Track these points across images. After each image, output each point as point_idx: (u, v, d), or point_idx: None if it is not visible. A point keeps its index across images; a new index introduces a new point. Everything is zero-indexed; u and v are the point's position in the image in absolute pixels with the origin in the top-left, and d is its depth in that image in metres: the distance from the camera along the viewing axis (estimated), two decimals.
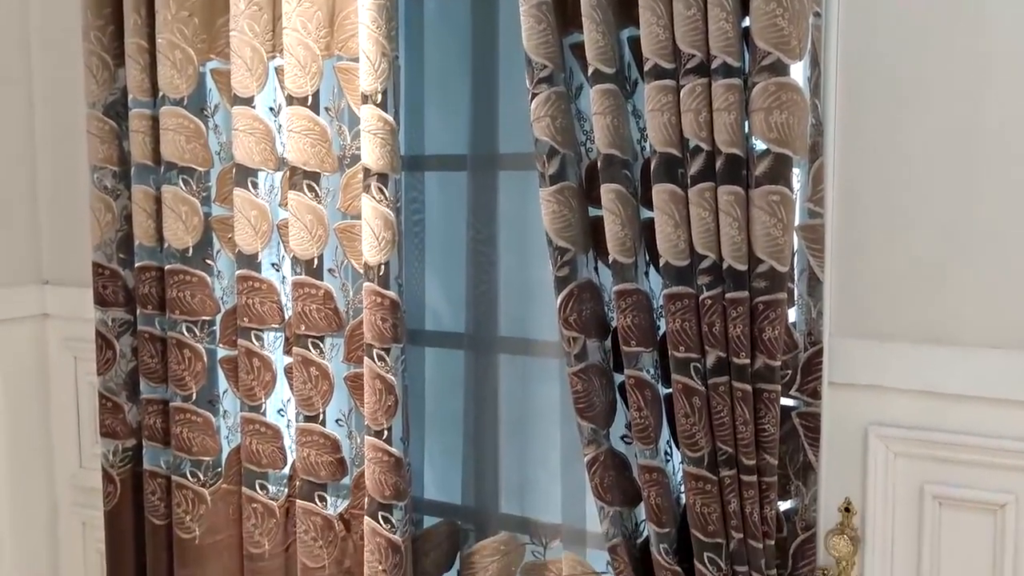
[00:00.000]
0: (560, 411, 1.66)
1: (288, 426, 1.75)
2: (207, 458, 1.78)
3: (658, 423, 1.38)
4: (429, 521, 1.80)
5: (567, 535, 1.68)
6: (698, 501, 1.33)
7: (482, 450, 1.76)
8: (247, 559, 1.74)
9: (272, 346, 1.72)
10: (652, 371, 1.38)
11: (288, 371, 1.73)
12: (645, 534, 1.49)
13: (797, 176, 1.32)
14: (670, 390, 1.38)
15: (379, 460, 1.57)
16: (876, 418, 1.35)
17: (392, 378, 1.55)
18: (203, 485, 1.77)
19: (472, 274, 1.71)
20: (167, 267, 1.75)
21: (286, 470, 1.76)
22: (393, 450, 1.57)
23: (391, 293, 1.55)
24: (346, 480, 1.70)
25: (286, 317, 1.72)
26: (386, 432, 1.56)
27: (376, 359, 1.55)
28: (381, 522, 1.58)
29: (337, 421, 1.69)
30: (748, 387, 1.30)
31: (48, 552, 2.21)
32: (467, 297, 1.74)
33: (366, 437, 1.58)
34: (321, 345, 1.65)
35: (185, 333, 1.75)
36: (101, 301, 1.85)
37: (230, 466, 1.80)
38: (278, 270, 1.72)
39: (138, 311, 1.81)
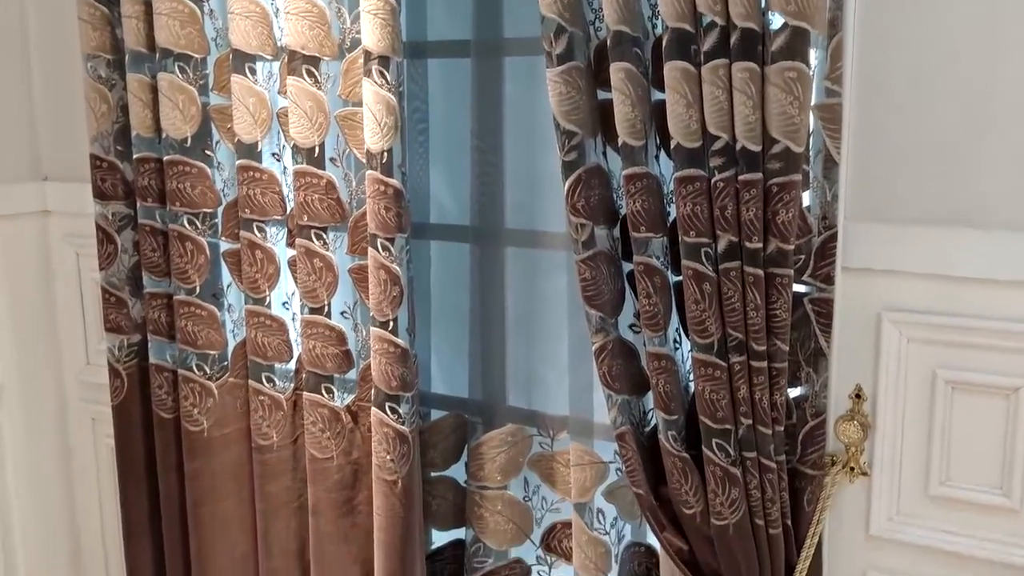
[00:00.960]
0: (567, 304, 1.65)
1: (293, 319, 1.74)
2: (213, 352, 1.77)
3: (667, 310, 1.36)
4: (436, 415, 1.80)
5: (574, 427, 1.67)
6: (707, 388, 1.32)
7: (489, 344, 1.75)
8: (255, 451, 1.75)
9: (275, 239, 1.70)
10: (662, 258, 1.35)
11: (292, 264, 1.70)
12: (653, 423, 1.48)
13: (814, 54, 1.27)
14: (680, 277, 1.35)
15: (385, 351, 1.55)
16: (890, 303, 1.32)
17: (397, 268, 1.53)
18: (210, 379, 1.77)
19: (477, 165, 1.67)
20: (166, 158, 1.71)
21: (292, 363, 1.75)
22: (399, 341, 1.55)
23: (394, 181, 1.51)
24: (352, 373, 1.69)
25: (288, 208, 1.69)
26: (392, 323, 1.55)
27: (380, 249, 1.53)
28: (388, 413, 1.57)
29: (342, 314, 1.67)
30: (760, 272, 1.27)
31: (59, 448, 2.23)
32: (472, 189, 1.70)
33: (371, 329, 1.56)
34: (324, 236, 1.62)
35: (186, 226, 1.72)
36: (100, 194, 1.82)
37: (236, 360, 1.79)
38: (279, 160, 1.68)
39: (138, 204, 1.78)
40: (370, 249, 1.54)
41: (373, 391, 1.59)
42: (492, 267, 1.72)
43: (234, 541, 1.81)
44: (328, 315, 1.65)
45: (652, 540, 1.70)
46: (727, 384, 1.31)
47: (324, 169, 1.60)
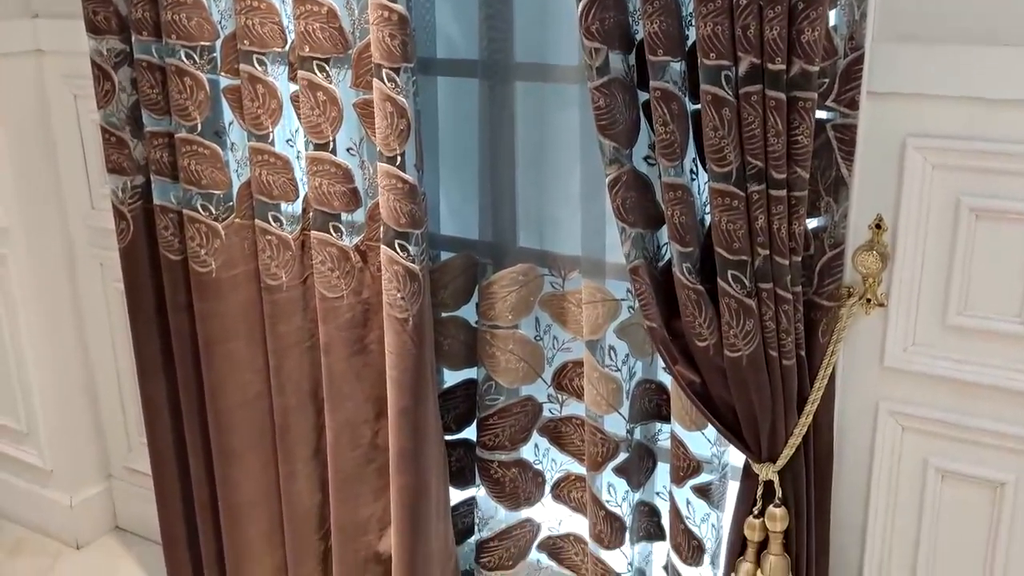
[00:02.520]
0: (579, 140, 1.60)
1: (298, 157, 1.70)
2: (217, 192, 1.73)
3: (684, 138, 1.31)
4: (446, 256, 1.78)
5: (586, 266, 1.65)
6: (724, 218, 1.28)
7: (499, 183, 1.71)
8: (265, 291, 1.74)
9: (276, 74, 1.63)
10: (679, 83, 1.30)
11: (294, 99, 1.65)
12: (667, 256, 1.46)
13: None
14: (697, 106, 1.30)
15: (393, 187, 1.52)
16: (915, 129, 1.27)
17: (403, 100, 1.47)
18: (216, 219, 1.74)
19: None
20: None
21: (298, 203, 1.72)
22: (407, 176, 1.51)
23: (398, 7, 1.44)
24: (360, 213, 1.66)
25: (288, 40, 1.62)
26: (399, 158, 1.50)
27: (386, 80, 1.47)
28: (398, 250, 1.55)
29: (348, 150, 1.62)
30: (782, 96, 1.21)
31: (69, 295, 2.23)
32: (480, 21, 1.63)
33: (379, 164, 1.52)
34: (327, 68, 1.56)
35: (184, 60, 1.65)
36: (94, 29, 1.75)
37: (241, 200, 1.76)
38: None
39: (133, 38, 1.71)
40: (375, 81, 1.48)
41: (382, 229, 1.56)
42: (501, 103, 1.67)
43: (247, 381, 1.83)
44: (333, 152, 1.60)
45: (663, 377, 1.70)
46: (744, 214, 1.28)
47: None
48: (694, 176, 1.36)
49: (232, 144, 1.74)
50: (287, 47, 1.62)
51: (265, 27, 1.59)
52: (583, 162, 1.59)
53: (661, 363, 1.69)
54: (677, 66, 1.29)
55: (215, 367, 1.82)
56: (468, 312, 1.82)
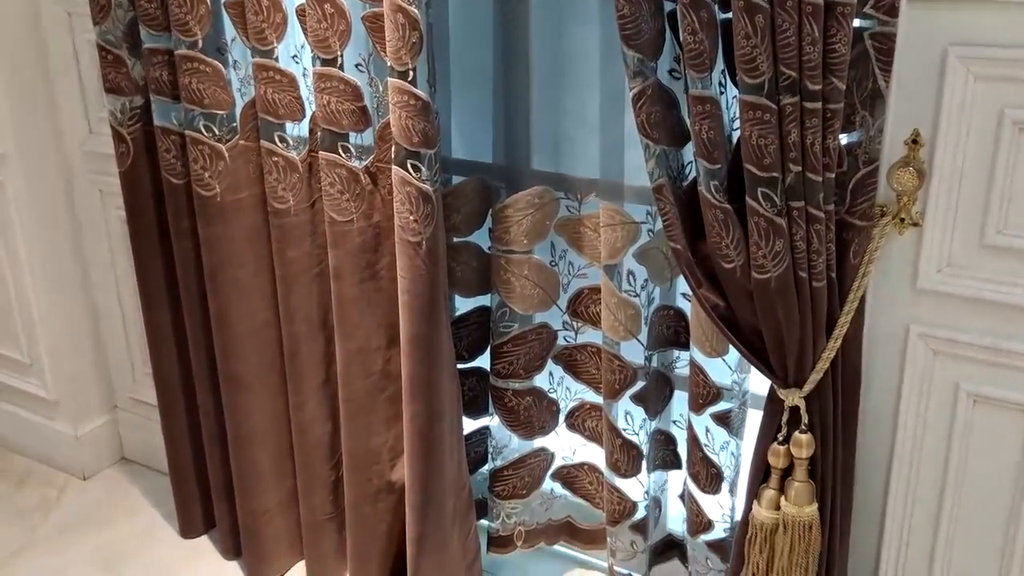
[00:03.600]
0: (599, 56, 1.53)
1: (304, 74, 1.63)
2: (220, 112, 1.67)
3: (713, 48, 1.24)
4: (458, 180, 1.72)
5: (604, 189, 1.60)
6: (754, 133, 1.22)
7: (513, 104, 1.64)
8: (272, 215, 1.68)
9: None
10: None
11: (300, 12, 1.57)
12: (691, 176, 1.40)
13: None
14: (727, 15, 1.23)
15: (404, 104, 1.45)
16: (958, 37, 1.21)
17: (415, 11, 1.40)
18: (219, 140, 1.68)
19: None
20: None
21: (305, 123, 1.65)
22: (419, 92, 1.45)
23: None
24: (369, 134, 1.60)
25: None
26: (411, 73, 1.44)
27: None
28: (410, 171, 1.49)
29: (357, 66, 1.55)
30: (820, 0, 1.15)
31: (68, 223, 2.17)
32: None
33: (389, 80, 1.46)
34: None
35: None
36: None
37: (246, 121, 1.69)
38: None
39: None
40: None
41: (393, 149, 1.50)
42: (515, 17, 1.59)
43: (254, 308, 1.78)
44: (341, 68, 1.53)
45: (681, 303, 1.66)
46: (776, 128, 1.22)
47: None
48: (722, 89, 1.30)
49: (235, 62, 1.67)
50: None
51: None
52: (602, 80, 1.53)
53: (679, 288, 1.65)
54: None
55: (221, 295, 1.77)
56: (481, 237, 1.76)
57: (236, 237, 1.73)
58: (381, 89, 1.57)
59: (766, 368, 1.37)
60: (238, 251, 1.74)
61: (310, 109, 1.65)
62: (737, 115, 1.28)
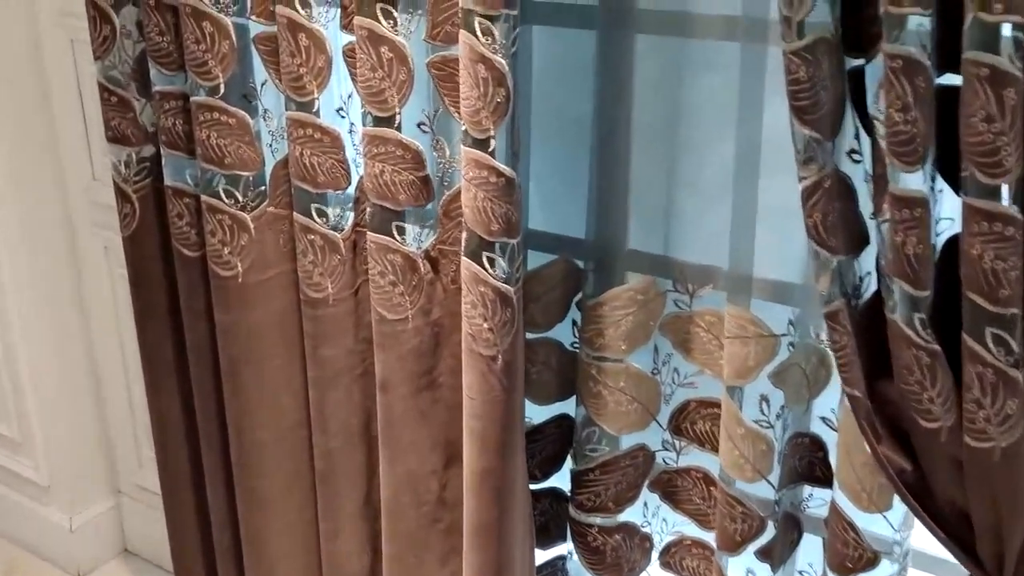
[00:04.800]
0: (727, 113, 1.19)
1: (351, 131, 1.29)
2: (246, 173, 1.33)
3: (930, 130, 0.88)
4: (536, 259, 1.37)
5: (727, 282, 1.25)
6: (988, 251, 0.86)
7: (610, 165, 1.30)
8: (306, 304, 1.34)
9: (325, 18, 1.22)
10: (927, 46, 0.87)
11: (348, 54, 1.24)
12: (869, 291, 1.04)
13: None
14: (952, 81, 0.88)
15: (482, 182, 1.11)
16: None
17: (502, 62, 1.06)
18: (243, 208, 1.34)
19: None
20: None
21: (351, 190, 1.31)
22: (502, 168, 1.10)
23: None
24: (431, 209, 1.25)
25: None
26: (492, 142, 1.09)
27: (479, 32, 1.05)
28: (486, 266, 1.14)
29: (420, 126, 1.21)
30: None
31: (68, 281, 1.85)
32: None
33: (463, 148, 1.11)
34: (394, 13, 1.14)
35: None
36: None
37: (277, 183, 1.36)
38: None
39: None
40: (462, 34, 1.06)
41: (465, 236, 1.15)
42: (617, 62, 1.25)
43: (281, 411, 1.44)
44: (399, 128, 1.19)
45: (818, 428, 1.30)
46: (1021, 248, 0.86)
47: None
48: (931, 183, 0.94)
49: (265, 111, 1.33)
50: None
51: None
52: (728, 141, 1.19)
53: (817, 410, 1.30)
54: (925, 22, 0.86)
55: (241, 391, 1.44)
56: (562, 332, 1.41)
57: (261, 325, 1.40)
58: (448, 153, 1.23)
59: (970, 560, 1.00)
60: (263, 342, 1.40)
61: (356, 173, 1.31)
62: (942, 217, 0.92)
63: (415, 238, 1.25)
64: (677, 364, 1.38)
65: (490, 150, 1.09)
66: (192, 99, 1.29)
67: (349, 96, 1.27)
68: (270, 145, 1.35)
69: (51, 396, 1.88)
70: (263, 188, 1.35)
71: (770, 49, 1.11)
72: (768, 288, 1.22)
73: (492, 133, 1.08)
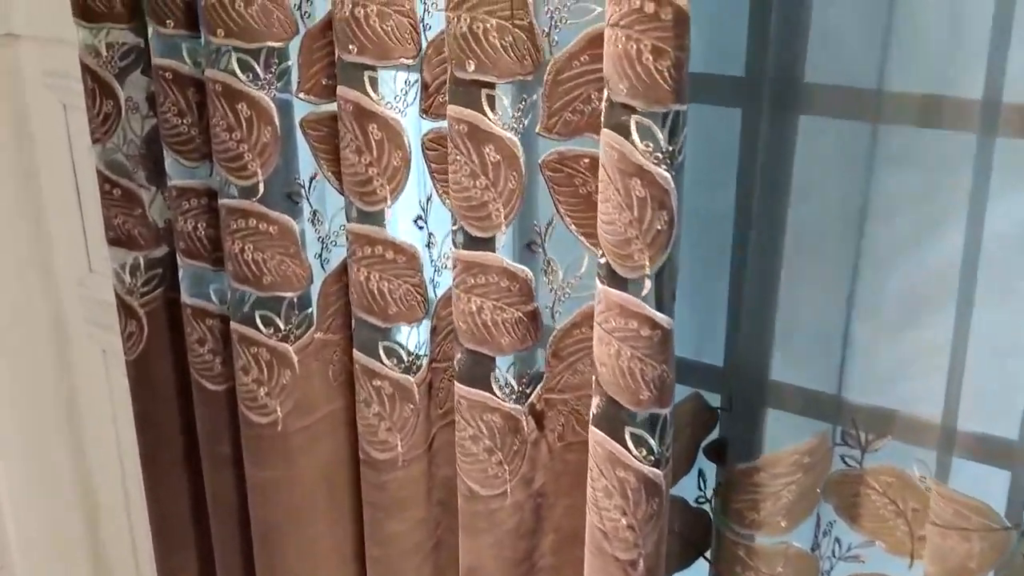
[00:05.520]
0: (919, 216, 0.92)
1: (429, 244, 0.99)
2: (289, 294, 1.02)
3: None
4: None
5: (916, 432, 0.96)
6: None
7: (756, 274, 1.00)
8: (367, 467, 1.03)
9: (400, 99, 0.92)
10: None
11: (430, 146, 0.94)
12: None
13: None
14: None
15: (630, 335, 0.80)
16: None
17: (667, 176, 0.75)
18: (285, 338, 1.03)
19: None
20: None
21: (427, 321, 1.01)
22: (659, 318, 0.79)
23: None
24: (538, 353, 0.95)
25: (424, 43, 0.90)
26: (647, 282, 0.78)
27: (637, 136, 0.74)
28: (630, 444, 0.83)
29: (530, 246, 0.91)
30: None
31: (59, 393, 1.54)
32: (750, 8, 0.93)
33: (606, 290, 0.80)
34: (503, 101, 0.83)
35: (238, 71, 0.94)
36: (85, 11, 1.04)
37: (327, 302, 1.05)
38: None
39: (150, 31, 1.00)
40: (607, 133, 0.76)
41: (597, 402, 0.84)
42: (769, 148, 0.96)
43: None
44: (503, 250, 0.88)
45: None
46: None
47: None
48: None
49: (314, 213, 1.03)
50: (421, 55, 0.90)
51: (388, 21, 0.87)
52: (921, 251, 0.92)
53: None
54: None
55: (278, 562, 1.12)
56: (687, 486, 1.11)
57: (304, 482, 1.09)
58: (561, 276, 0.93)
59: None
60: (307, 503, 1.09)
61: (434, 294, 1.01)
62: None
63: (518, 390, 0.94)
64: (840, 533, 1.07)
65: (643, 294, 0.78)
66: (221, 201, 0.99)
67: (428, 199, 0.97)
68: (319, 255, 1.05)
69: (36, 538, 1.56)
70: (310, 311, 1.05)
71: (999, 141, 0.84)
72: (979, 445, 0.93)
73: (647, 271, 0.78)
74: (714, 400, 1.09)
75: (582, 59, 0.85)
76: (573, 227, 0.90)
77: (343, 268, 1.04)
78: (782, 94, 0.95)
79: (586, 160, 0.88)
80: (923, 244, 0.97)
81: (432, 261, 0.99)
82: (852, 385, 1.02)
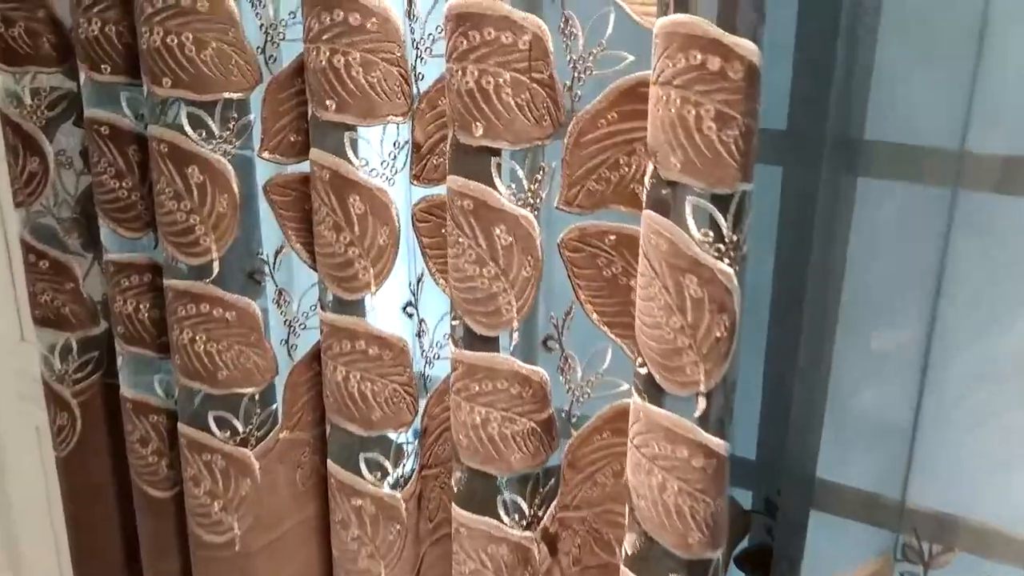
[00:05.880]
0: (999, 289, 0.79)
1: (420, 334, 0.82)
2: (249, 389, 0.86)
3: None
4: None
5: (998, 545, 0.82)
6: None
7: (798, 353, 0.86)
8: None
9: (387, 165, 0.76)
10: None
11: (422, 217, 0.78)
12: None
13: None
14: None
15: (678, 465, 0.64)
16: None
17: (729, 272, 0.60)
18: (244, 442, 0.86)
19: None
20: None
21: (417, 422, 0.84)
22: (715, 444, 0.64)
23: (742, 43, 0.56)
24: (553, 458, 0.79)
25: (415, 96, 0.75)
26: (700, 401, 0.63)
27: (693, 223, 0.59)
28: None
29: (546, 342, 0.75)
30: None
31: None
32: (795, 57, 0.80)
33: (647, 406, 0.64)
34: (518, 172, 0.68)
35: (188, 128, 0.77)
36: (6, 54, 0.87)
37: (294, 396, 0.88)
38: None
39: (82, 77, 0.84)
40: (651, 216, 0.60)
41: (637, 540, 0.68)
42: (816, 211, 0.83)
43: None
44: (514, 351, 0.72)
45: None
46: None
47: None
48: None
49: (280, 293, 0.86)
50: (411, 110, 0.74)
51: (374, 71, 0.71)
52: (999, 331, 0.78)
53: None
54: None
55: None
56: None
57: None
58: (580, 375, 0.77)
59: None
60: None
61: (424, 390, 0.84)
62: None
63: (529, 514, 0.77)
64: None
65: (696, 415, 0.63)
66: (167, 282, 0.82)
67: (419, 280, 0.81)
68: (285, 341, 0.88)
69: None
70: (274, 407, 0.88)
71: None
72: None
73: (702, 387, 0.62)
74: (745, 498, 0.95)
75: (609, 117, 0.69)
76: (595, 316, 0.75)
77: (314, 355, 0.88)
78: (837, 151, 0.81)
79: (612, 237, 0.72)
80: (1002, 324, 0.84)
81: (423, 352, 0.83)
82: (914, 487, 0.88)
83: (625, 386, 0.78)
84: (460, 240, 0.68)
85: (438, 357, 0.85)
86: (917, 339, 0.85)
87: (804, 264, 0.84)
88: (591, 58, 0.69)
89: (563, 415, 0.78)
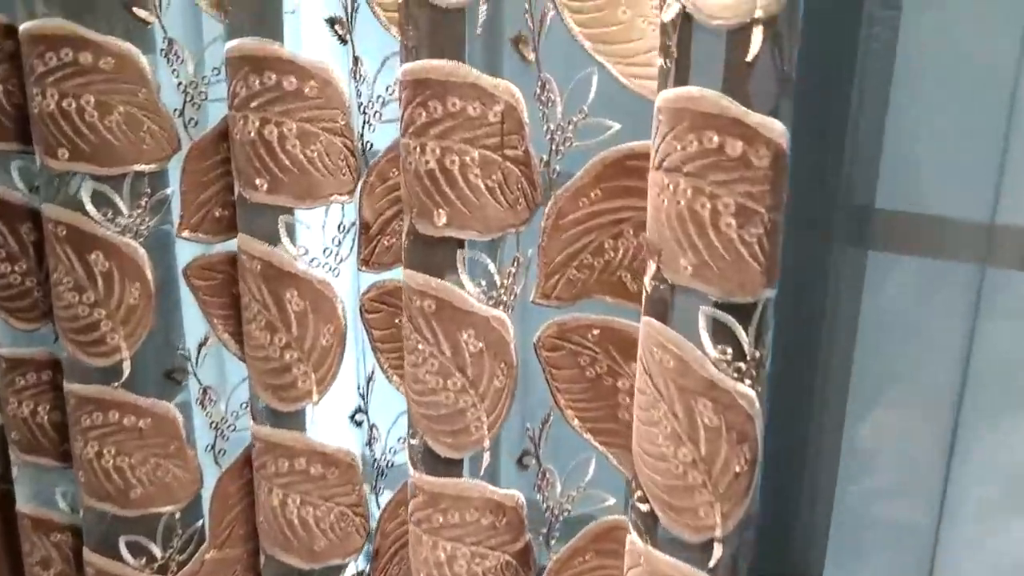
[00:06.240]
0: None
1: (371, 443, 0.70)
2: (168, 508, 0.73)
3: None
4: None
5: None
6: None
7: (802, 439, 0.79)
8: None
9: (331, 252, 0.64)
10: None
11: (374, 307, 0.66)
12: None
13: None
14: None
15: None
16: None
17: (751, 395, 0.49)
18: (163, 568, 0.73)
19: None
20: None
21: (368, 545, 0.72)
22: None
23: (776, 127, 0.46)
24: None
25: (361, 172, 0.63)
26: (717, 549, 0.52)
27: (708, 341, 0.48)
28: None
29: (521, 459, 0.64)
30: None
31: None
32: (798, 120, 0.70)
33: (649, 550, 0.53)
34: (490, 267, 0.57)
35: (90, 207, 0.65)
36: None
37: (225, 507, 0.76)
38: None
39: None
40: (652, 325, 0.50)
41: None
42: (834, 286, 0.75)
43: None
44: (480, 474, 0.61)
45: None
46: None
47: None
48: None
49: (204, 391, 0.74)
50: (359, 186, 0.63)
51: (313, 144, 0.59)
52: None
53: None
54: None
55: None
56: None
57: None
58: (560, 489, 0.65)
59: None
60: None
61: (376, 506, 0.72)
62: None
63: None
64: None
65: (712, 564, 0.52)
66: (69, 387, 0.69)
67: (369, 380, 0.69)
68: (211, 447, 0.75)
69: None
70: (199, 523, 0.75)
71: None
72: None
73: (718, 532, 0.51)
74: None
75: (592, 195, 0.59)
76: (576, 422, 0.64)
77: (246, 460, 0.75)
78: (845, 223, 0.72)
79: (595, 331, 0.62)
80: None
81: (375, 462, 0.71)
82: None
83: (612, 500, 0.67)
84: (420, 347, 0.57)
85: (391, 465, 0.73)
86: (941, 429, 0.76)
87: (815, 341, 0.75)
88: (571, 127, 0.58)
89: (540, 537, 0.67)
